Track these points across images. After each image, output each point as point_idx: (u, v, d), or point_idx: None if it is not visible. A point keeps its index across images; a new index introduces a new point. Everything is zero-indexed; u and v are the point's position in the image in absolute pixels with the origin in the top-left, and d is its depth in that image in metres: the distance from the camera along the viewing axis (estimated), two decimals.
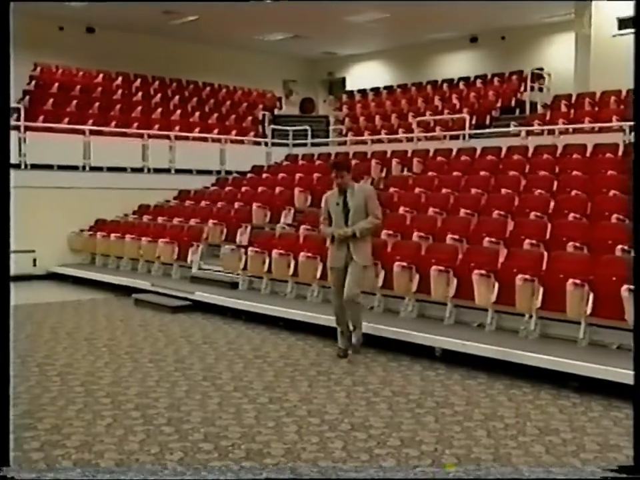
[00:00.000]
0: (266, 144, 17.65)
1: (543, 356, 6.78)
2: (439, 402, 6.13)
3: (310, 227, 10.95)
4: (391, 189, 12.23)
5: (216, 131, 17.51)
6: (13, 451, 4.22)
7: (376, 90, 21.51)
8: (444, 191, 11.46)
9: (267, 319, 9.34)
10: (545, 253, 8.18)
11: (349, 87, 23.64)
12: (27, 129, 14.20)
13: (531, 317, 7.59)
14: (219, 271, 11.46)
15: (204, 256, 12.17)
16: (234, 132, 17.75)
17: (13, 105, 15.88)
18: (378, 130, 17.52)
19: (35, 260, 13.53)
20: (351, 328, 7.60)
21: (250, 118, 19.48)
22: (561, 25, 18.98)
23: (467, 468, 4.64)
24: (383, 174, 13.76)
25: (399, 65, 23.09)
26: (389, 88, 21.43)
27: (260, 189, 14.02)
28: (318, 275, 9.51)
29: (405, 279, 8.65)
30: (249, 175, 15.74)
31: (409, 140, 15.67)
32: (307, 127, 17.86)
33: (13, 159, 13.72)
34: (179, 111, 18.26)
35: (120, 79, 19.77)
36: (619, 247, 7.84)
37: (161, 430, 5.31)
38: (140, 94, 18.92)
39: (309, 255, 9.76)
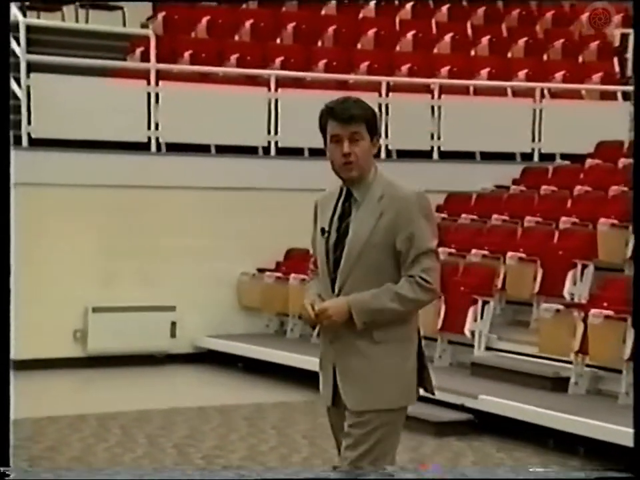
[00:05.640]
0: (626, 96, 17.55)
1: None
2: None
3: None
4: None
5: (523, 73, 17.71)
6: None
7: None
8: None
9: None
10: None
11: None
12: (160, 76, 14.89)
13: None
14: (529, 355, 11.69)
15: (497, 323, 12.45)
16: (560, 74, 17.79)
17: (136, 31, 16.55)
18: None
19: (173, 325, 14.21)
20: None
21: (593, 44, 19.41)
22: None
23: None
24: None
25: None
26: None
27: (612, 189, 13.96)
28: None
29: None
30: (589, 161, 15.81)
31: None
32: None
33: (139, 137, 14.34)
34: (448, 36, 18.54)
35: None
36: None
37: None
38: (372, 10, 19.52)
39: None
